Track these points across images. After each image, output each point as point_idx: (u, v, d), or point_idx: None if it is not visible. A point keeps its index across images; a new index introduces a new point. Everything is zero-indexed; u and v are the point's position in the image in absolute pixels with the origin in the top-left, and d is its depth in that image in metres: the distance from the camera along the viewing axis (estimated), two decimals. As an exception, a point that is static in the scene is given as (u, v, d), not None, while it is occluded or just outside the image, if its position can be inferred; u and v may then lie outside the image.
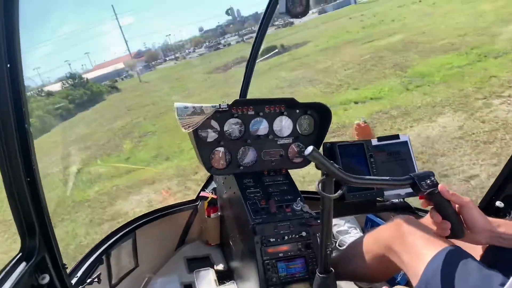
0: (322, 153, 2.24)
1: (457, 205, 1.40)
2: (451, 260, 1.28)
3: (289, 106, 2.30)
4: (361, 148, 2.21)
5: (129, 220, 2.59)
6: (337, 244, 2.47)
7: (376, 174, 2.14)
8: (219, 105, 2.16)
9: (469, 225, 1.38)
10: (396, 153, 2.23)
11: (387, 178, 1.45)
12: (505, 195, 1.78)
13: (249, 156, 2.30)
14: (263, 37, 2.27)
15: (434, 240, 1.38)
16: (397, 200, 2.22)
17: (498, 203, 1.80)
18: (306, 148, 1.38)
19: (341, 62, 16.56)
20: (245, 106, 2.26)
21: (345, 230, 2.47)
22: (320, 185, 1.39)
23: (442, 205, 1.40)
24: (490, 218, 1.41)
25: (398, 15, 27.13)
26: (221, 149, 2.27)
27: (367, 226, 2.51)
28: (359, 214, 2.47)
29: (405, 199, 2.23)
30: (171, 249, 2.87)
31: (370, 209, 2.28)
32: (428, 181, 1.41)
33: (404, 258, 1.43)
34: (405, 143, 2.24)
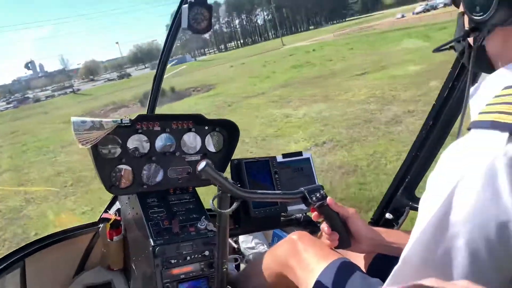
0: (230, 170, 2.27)
1: (344, 217, 1.49)
2: (339, 273, 1.34)
3: (197, 122, 2.27)
4: (267, 164, 2.26)
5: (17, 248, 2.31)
6: (244, 261, 2.47)
7: (280, 189, 2.20)
8: (121, 120, 2.05)
9: (354, 235, 1.47)
10: (299, 169, 2.32)
11: (280, 192, 1.50)
12: (393, 208, 1.93)
13: (154, 174, 2.21)
14: (169, 51, 2.22)
15: (325, 254, 1.43)
16: (300, 214, 2.29)
17: (388, 215, 1.94)
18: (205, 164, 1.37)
19: (391, 94, 14.13)
20: (151, 122, 2.17)
21: (253, 246, 2.48)
22: (215, 201, 1.39)
23: (330, 217, 1.47)
24: (375, 228, 1.51)
25: (320, 57, 29.19)
26: (124, 166, 2.14)
27: (274, 241, 2.55)
28: (265, 230, 2.49)
29: (308, 214, 2.32)
30: (68, 277, 2.61)
31: (275, 224, 2.32)
32: (318, 195, 1.48)
33: (298, 274, 1.46)
34: (307, 160, 2.34)
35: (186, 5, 1.72)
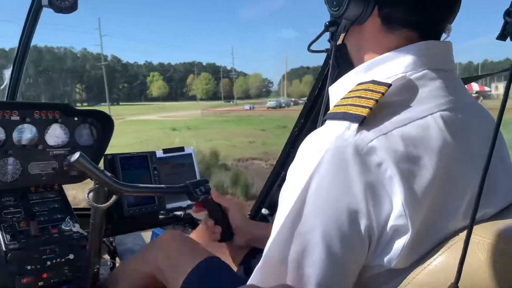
0: (104, 166, 2.09)
1: (225, 209, 1.47)
2: (207, 272, 1.31)
3: (65, 112, 2.03)
4: (145, 160, 2.13)
5: None
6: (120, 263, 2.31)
7: None
8: None
9: (234, 228, 1.45)
10: (180, 165, 2.24)
11: (163, 186, 1.44)
12: (268, 203, 1.97)
13: (10, 169, 1.92)
14: (31, 32, 1.97)
15: (195, 253, 1.39)
16: (180, 212, 2.22)
17: (264, 210, 1.98)
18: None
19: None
20: (7, 110, 1.89)
21: (130, 247, 2.33)
22: (90, 195, 1.27)
23: (214, 210, 1.45)
24: (253, 221, 1.52)
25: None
26: None
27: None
28: (142, 230, 2.36)
29: (188, 211, 2.25)
30: None
31: (153, 223, 2.20)
32: (202, 188, 1.44)
33: (167, 275, 1.40)
34: (189, 155, 2.27)
35: None
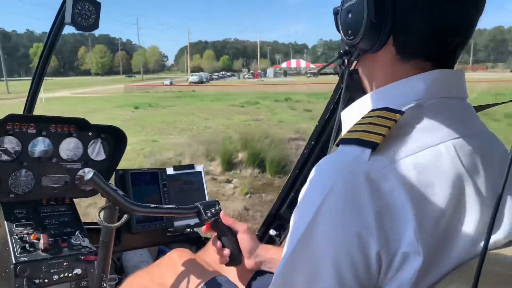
0: (114, 181, 2.11)
1: (235, 232, 1.46)
2: None
3: (80, 127, 2.08)
4: (155, 176, 2.16)
5: None
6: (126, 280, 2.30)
7: (168, 203, 2.11)
8: None
9: (244, 252, 1.44)
10: (189, 183, 2.26)
11: (174, 206, 1.44)
12: (277, 224, 1.96)
13: (24, 181, 1.95)
14: (52, 48, 2.03)
15: (203, 272, 1.39)
16: (187, 230, 2.22)
17: (272, 231, 1.97)
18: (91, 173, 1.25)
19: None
20: (25, 123, 1.93)
21: (137, 264, 2.32)
22: (101, 213, 1.28)
23: (223, 233, 1.45)
24: (265, 245, 1.51)
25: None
26: None
27: (159, 258, 2.43)
28: (150, 247, 2.36)
29: (196, 229, 2.26)
30: None
31: (160, 240, 2.21)
32: (213, 210, 1.45)
33: None
34: (199, 173, 2.29)
35: None
